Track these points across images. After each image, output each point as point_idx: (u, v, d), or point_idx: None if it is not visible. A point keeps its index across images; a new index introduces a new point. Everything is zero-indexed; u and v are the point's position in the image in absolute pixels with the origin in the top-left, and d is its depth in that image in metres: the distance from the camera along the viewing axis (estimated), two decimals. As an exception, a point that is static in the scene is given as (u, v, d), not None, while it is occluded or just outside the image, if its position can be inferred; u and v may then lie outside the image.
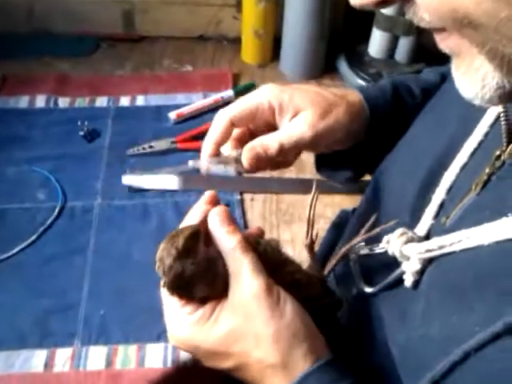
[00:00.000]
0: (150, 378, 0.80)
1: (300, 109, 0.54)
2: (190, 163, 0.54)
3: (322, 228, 0.79)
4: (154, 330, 0.84)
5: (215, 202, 0.50)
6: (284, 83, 1.26)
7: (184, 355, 0.82)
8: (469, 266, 0.39)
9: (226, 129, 0.55)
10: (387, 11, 1.15)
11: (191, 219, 0.49)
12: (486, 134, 0.45)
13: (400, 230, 0.46)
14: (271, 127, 0.56)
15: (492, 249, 0.37)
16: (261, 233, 0.53)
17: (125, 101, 1.21)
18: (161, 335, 0.83)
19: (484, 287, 0.36)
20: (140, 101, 1.22)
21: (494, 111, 0.44)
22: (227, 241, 0.46)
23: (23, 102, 1.20)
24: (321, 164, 0.64)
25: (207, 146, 0.55)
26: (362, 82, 1.22)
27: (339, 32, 1.35)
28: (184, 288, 0.45)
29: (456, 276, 0.40)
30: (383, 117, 0.58)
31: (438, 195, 0.46)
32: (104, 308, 0.87)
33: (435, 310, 0.41)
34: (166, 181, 0.51)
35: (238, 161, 0.54)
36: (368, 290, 0.52)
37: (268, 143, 0.53)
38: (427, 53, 1.23)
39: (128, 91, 1.23)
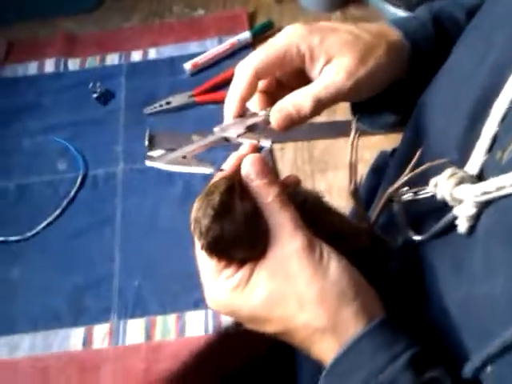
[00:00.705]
0: (192, 347, 0.77)
1: (334, 54, 0.47)
2: (216, 131, 0.48)
3: (359, 172, 0.74)
4: (191, 297, 0.80)
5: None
6: (305, 18, 1.17)
7: (226, 320, 0.78)
8: None
9: (250, 82, 0.48)
10: None
11: (226, 170, 0.45)
12: None
13: (449, 171, 0.41)
14: (301, 74, 0.50)
15: None
16: (297, 181, 0.48)
17: (136, 55, 1.14)
18: (199, 302, 0.80)
19: None
20: (152, 54, 1.13)
21: None
22: (264, 194, 0.42)
23: (32, 68, 1.13)
24: (357, 110, 0.57)
25: (231, 104, 0.49)
26: (390, 8, 1.10)
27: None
28: (223, 250, 0.42)
29: None
30: (426, 53, 0.51)
31: (490, 127, 0.40)
32: (138, 278, 0.84)
33: (497, 262, 0.36)
34: (199, 169, 0.46)
35: (267, 122, 0.48)
36: (416, 238, 0.47)
37: (301, 101, 0.47)
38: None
39: (139, 45, 1.15)
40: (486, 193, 0.37)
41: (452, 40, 0.52)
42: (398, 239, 0.50)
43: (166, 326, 0.79)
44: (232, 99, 0.49)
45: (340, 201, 0.91)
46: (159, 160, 0.45)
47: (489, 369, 0.36)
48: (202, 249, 0.41)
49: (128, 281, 0.83)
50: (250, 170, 0.42)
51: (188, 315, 0.79)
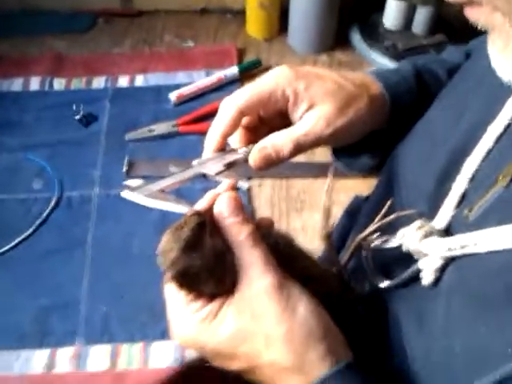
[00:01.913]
0: (156, 378, 0.75)
1: (316, 101, 0.48)
2: (195, 164, 0.48)
3: (334, 215, 0.75)
4: (158, 327, 0.79)
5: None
6: (293, 58, 1.20)
7: (191, 354, 0.77)
8: (497, 272, 0.34)
9: (233, 119, 0.49)
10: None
11: (199, 207, 0.45)
12: None
13: (417, 223, 0.42)
14: (283, 114, 0.51)
15: None
16: (270, 223, 0.48)
17: (123, 81, 1.14)
18: (165, 332, 0.78)
19: None
20: (139, 81, 1.15)
21: None
22: (237, 232, 0.42)
23: (17, 84, 1.13)
24: (337, 151, 0.58)
25: (212, 139, 0.49)
26: (376, 56, 1.14)
27: (352, 1, 1.26)
28: (190, 284, 0.41)
29: (482, 282, 0.36)
30: (406, 107, 0.53)
31: (460, 184, 0.41)
32: (106, 304, 0.82)
33: (457, 317, 0.37)
34: (176, 207, 0.46)
35: (246, 160, 0.49)
36: (382, 284, 0.47)
37: (281, 144, 0.48)
38: (447, 23, 1.14)
39: (127, 70, 1.16)
40: (450, 249, 0.38)
41: (433, 95, 0.53)
42: (366, 285, 0.50)
43: (130, 355, 0.77)
44: (214, 134, 0.49)
45: (314, 241, 0.92)
46: (136, 191, 0.45)
47: None
48: (169, 280, 0.41)
49: (95, 306, 0.82)
50: (223, 207, 0.43)
51: (154, 345, 0.78)
